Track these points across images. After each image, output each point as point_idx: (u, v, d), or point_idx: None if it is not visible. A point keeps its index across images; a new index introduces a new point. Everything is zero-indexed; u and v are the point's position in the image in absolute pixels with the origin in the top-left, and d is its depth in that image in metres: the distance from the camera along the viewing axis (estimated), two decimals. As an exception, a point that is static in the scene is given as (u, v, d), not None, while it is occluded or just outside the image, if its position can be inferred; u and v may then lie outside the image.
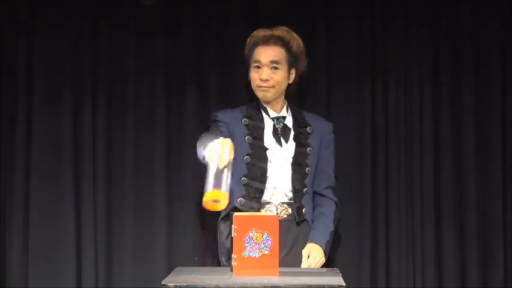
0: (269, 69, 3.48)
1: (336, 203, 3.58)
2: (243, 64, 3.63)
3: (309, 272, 3.15)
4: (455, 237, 3.91)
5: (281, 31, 3.53)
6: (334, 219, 3.55)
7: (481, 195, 3.93)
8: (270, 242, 3.04)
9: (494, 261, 3.91)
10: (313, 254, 3.43)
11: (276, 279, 2.90)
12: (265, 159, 3.49)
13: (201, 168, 3.83)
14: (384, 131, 3.93)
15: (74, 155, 3.88)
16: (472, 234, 3.90)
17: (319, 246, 3.46)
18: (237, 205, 3.47)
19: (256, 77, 3.50)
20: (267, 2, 3.91)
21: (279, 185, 3.49)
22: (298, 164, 3.52)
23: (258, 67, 3.49)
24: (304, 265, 3.41)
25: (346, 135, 3.90)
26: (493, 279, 3.90)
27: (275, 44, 3.50)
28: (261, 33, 3.54)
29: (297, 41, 3.54)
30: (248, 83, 3.60)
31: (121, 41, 3.92)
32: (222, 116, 3.55)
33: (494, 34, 3.93)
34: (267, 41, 3.51)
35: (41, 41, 3.89)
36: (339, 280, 2.90)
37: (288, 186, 3.50)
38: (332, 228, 3.53)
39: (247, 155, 3.48)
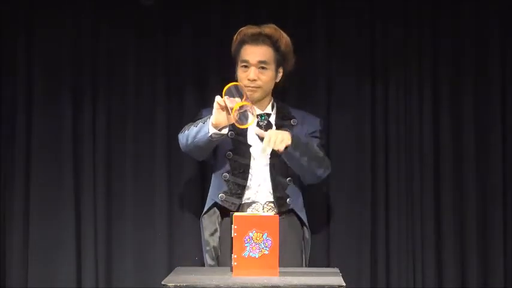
0: (257, 69, 3.43)
1: (323, 154, 3.46)
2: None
3: (309, 272, 3.15)
4: (455, 237, 3.91)
5: (269, 29, 3.46)
6: (312, 147, 3.40)
7: (481, 196, 3.93)
8: (270, 242, 3.04)
9: (494, 261, 3.91)
10: (273, 131, 3.30)
11: (276, 279, 2.90)
12: (248, 156, 3.45)
13: (200, 169, 3.88)
14: (384, 131, 3.93)
15: (74, 155, 3.88)
16: (472, 234, 3.90)
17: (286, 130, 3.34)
18: (218, 201, 3.45)
19: (244, 76, 3.44)
20: (267, 2, 3.91)
21: (263, 183, 3.46)
22: (278, 155, 3.44)
23: (246, 66, 3.44)
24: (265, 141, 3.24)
25: (346, 135, 3.90)
26: (493, 279, 3.90)
27: (263, 43, 3.44)
28: (249, 30, 3.46)
29: (285, 40, 3.47)
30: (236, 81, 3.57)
31: (121, 41, 3.92)
32: (207, 113, 3.50)
33: (494, 34, 3.93)
34: (255, 39, 3.44)
35: (41, 41, 3.89)
36: (339, 280, 2.90)
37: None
38: (309, 143, 3.39)
39: (229, 150, 3.46)
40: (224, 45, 3.87)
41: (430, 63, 3.94)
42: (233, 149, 3.46)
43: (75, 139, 3.89)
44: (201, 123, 3.30)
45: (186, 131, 3.39)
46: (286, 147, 3.27)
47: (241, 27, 3.80)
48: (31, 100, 3.89)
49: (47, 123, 3.89)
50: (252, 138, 3.49)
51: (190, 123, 3.43)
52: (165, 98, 3.92)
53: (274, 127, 3.50)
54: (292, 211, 3.48)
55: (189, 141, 3.36)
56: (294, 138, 3.30)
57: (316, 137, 3.53)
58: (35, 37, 3.89)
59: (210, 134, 3.24)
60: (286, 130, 3.41)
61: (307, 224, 3.51)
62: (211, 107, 3.35)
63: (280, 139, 3.24)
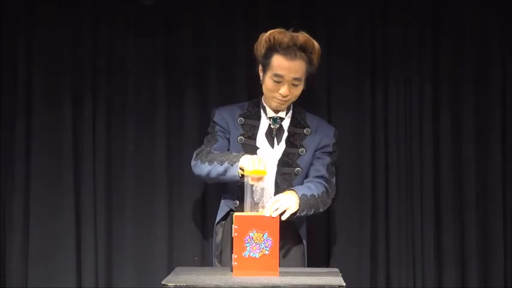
0: (290, 84, 3.37)
1: (326, 188, 3.45)
2: (255, 63, 3.48)
3: (309, 272, 3.15)
4: (455, 237, 3.91)
5: (302, 38, 3.34)
6: (319, 195, 3.39)
7: (481, 195, 3.93)
8: (270, 242, 3.04)
9: (494, 261, 3.91)
10: (282, 197, 3.24)
11: (276, 279, 2.90)
12: None
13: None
14: (384, 131, 3.93)
15: (74, 155, 3.88)
16: (472, 234, 3.90)
17: (294, 192, 3.31)
18: (233, 207, 3.47)
19: (275, 89, 3.38)
20: (267, 2, 3.91)
21: (267, 186, 3.43)
22: (286, 164, 3.45)
23: (278, 82, 3.37)
24: (268, 204, 3.20)
25: (346, 135, 3.90)
26: (493, 279, 3.91)
27: (299, 58, 3.34)
28: (283, 39, 3.32)
29: (317, 50, 3.39)
30: (253, 77, 3.55)
31: (121, 41, 3.92)
32: (219, 116, 3.51)
33: (494, 34, 3.93)
34: (290, 53, 3.33)
35: (41, 41, 3.89)
36: (339, 280, 2.90)
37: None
38: (315, 194, 3.37)
39: None
40: (224, 45, 3.89)
41: (430, 63, 3.94)
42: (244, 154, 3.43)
43: (75, 139, 3.89)
44: (226, 164, 3.29)
45: (207, 164, 3.36)
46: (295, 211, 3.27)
47: (241, 27, 3.81)
48: (31, 100, 3.88)
49: (47, 124, 3.89)
50: (260, 141, 3.49)
51: (204, 149, 3.44)
52: (165, 98, 3.92)
53: (286, 133, 3.50)
54: (292, 224, 3.43)
55: (212, 176, 3.36)
56: (301, 200, 3.29)
57: (328, 152, 3.52)
58: (35, 37, 3.89)
59: (239, 176, 3.25)
60: (296, 166, 3.45)
61: (305, 240, 3.51)
62: (222, 105, 3.52)
63: (285, 207, 3.19)
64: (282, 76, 3.36)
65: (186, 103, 3.91)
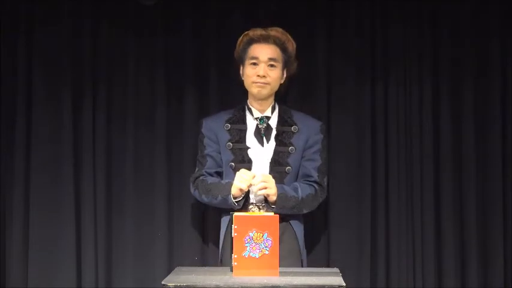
0: (266, 66, 3.51)
1: (316, 191, 3.55)
2: (234, 64, 3.66)
3: (309, 272, 3.15)
4: (455, 237, 3.91)
5: (276, 32, 3.57)
6: (302, 198, 3.49)
7: (481, 196, 3.93)
8: (270, 242, 3.04)
9: (494, 261, 3.91)
10: (271, 180, 3.43)
11: (276, 279, 2.90)
12: (248, 160, 3.52)
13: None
14: (384, 131, 3.92)
15: (74, 155, 3.88)
16: (472, 234, 3.90)
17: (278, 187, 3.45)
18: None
19: (253, 73, 3.52)
20: (267, 2, 3.91)
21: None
22: (277, 163, 3.52)
23: (255, 64, 3.53)
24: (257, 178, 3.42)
25: (346, 135, 3.90)
26: (493, 279, 3.90)
27: (274, 43, 3.55)
28: (257, 32, 3.57)
29: (291, 43, 3.59)
30: (241, 82, 3.62)
31: (121, 41, 3.92)
32: (206, 126, 3.62)
33: (494, 34, 3.93)
34: (264, 39, 3.55)
35: (41, 41, 3.89)
36: (339, 280, 2.91)
37: None
38: (298, 196, 3.48)
39: (231, 161, 3.54)
40: (224, 45, 3.88)
41: (430, 63, 3.94)
42: (234, 158, 3.54)
43: (75, 139, 3.89)
44: (220, 197, 3.47)
45: (204, 197, 3.56)
46: (273, 204, 3.41)
47: (241, 26, 3.81)
48: (31, 100, 3.88)
49: (47, 123, 3.89)
50: (249, 141, 3.53)
51: (198, 175, 3.61)
52: (165, 98, 3.92)
53: (274, 131, 3.55)
54: (290, 229, 3.51)
55: (213, 205, 3.57)
56: (278, 198, 3.41)
57: (318, 150, 3.57)
58: (35, 37, 3.89)
59: (236, 205, 3.44)
60: (284, 164, 3.53)
61: (302, 246, 3.55)
62: (211, 114, 3.64)
63: (268, 189, 3.40)
64: (257, 57, 3.51)
65: (186, 103, 3.91)
